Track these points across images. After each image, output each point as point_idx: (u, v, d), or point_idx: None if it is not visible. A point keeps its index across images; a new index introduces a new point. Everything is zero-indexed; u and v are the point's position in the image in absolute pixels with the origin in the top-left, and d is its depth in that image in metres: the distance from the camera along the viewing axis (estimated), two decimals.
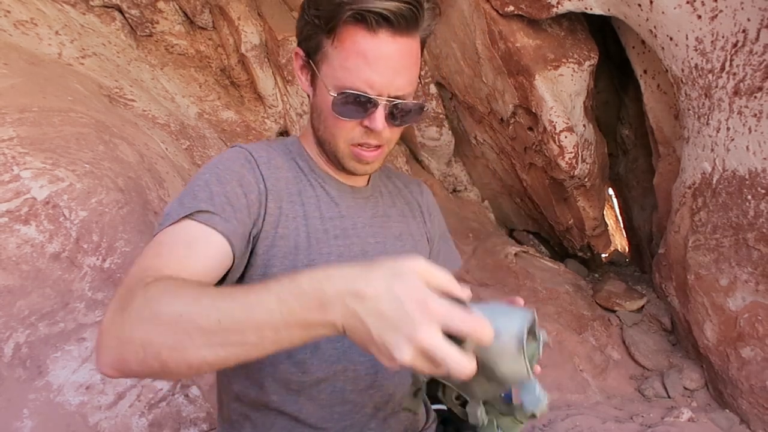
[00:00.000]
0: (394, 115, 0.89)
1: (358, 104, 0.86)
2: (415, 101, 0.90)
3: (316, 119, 0.95)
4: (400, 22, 0.82)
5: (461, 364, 0.53)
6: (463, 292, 0.58)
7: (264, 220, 0.89)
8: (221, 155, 0.93)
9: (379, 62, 0.84)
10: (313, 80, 0.93)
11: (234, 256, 0.82)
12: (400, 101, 0.88)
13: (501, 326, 0.57)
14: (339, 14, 0.82)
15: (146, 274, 0.71)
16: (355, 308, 0.56)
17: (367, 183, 1.06)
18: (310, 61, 0.91)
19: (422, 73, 2.70)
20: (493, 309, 0.61)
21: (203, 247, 0.78)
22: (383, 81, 0.85)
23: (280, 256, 0.90)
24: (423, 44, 0.93)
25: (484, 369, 0.59)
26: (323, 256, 0.94)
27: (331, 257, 0.94)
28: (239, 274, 0.88)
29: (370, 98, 0.86)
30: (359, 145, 0.92)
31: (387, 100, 0.87)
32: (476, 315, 0.55)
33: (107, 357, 0.67)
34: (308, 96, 0.97)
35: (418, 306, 0.53)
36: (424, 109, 0.94)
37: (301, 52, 0.93)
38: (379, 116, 0.87)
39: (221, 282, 0.85)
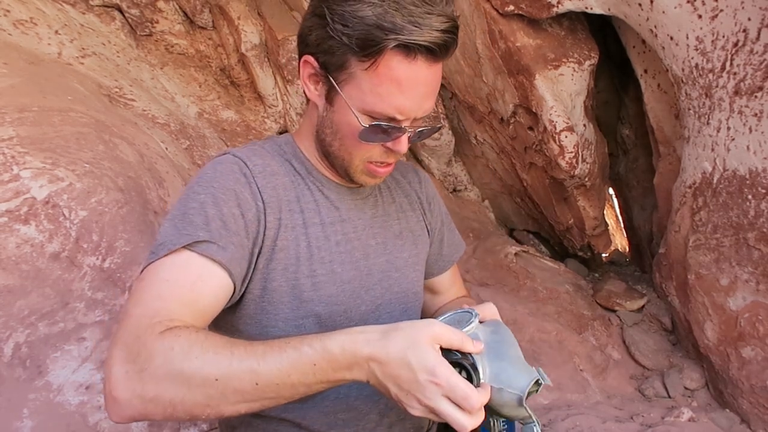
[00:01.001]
0: (416, 139, 0.91)
1: (385, 132, 0.85)
2: (435, 126, 0.93)
3: (330, 135, 0.91)
4: (441, 52, 0.82)
5: (461, 424, 0.63)
6: (476, 347, 0.70)
7: (264, 235, 0.87)
8: (215, 167, 0.88)
9: (413, 90, 0.82)
10: (330, 94, 0.88)
11: (234, 286, 0.82)
12: (425, 128, 0.89)
13: (506, 381, 0.69)
14: (381, 42, 0.78)
15: (155, 321, 0.70)
16: (376, 371, 0.66)
17: None
18: (329, 77, 0.86)
19: None
20: (502, 357, 0.72)
21: (206, 285, 0.77)
22: (413, 106, 0.84)
23: (281, 269, 0.88)
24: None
25: (491, 406, 0.70)
26: (326, 264, 0.92)
27: (333, 265, 0.93)
28: (241, 293, 0.87)
29: (398, 126, 0.85)
30: (376, 161, 0.91)
31: (413, 127, 0.87)
32: (481, 384, 0.68)
33: (126, 411, 0.67)
34: (310, 101, 0.94)
35: (428, 375, 0.64)
36: (441, 127, 0.96)
37: (315, 63, 0.87)
38: (404, 142, 0.87)
39: (239, 303, 0.89)
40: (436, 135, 2.87)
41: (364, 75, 0.82)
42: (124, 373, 0.67)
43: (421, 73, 0.82)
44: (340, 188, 1.00)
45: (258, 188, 0.88)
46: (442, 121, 2.81)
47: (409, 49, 0.79)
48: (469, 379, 0.67)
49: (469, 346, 0.69)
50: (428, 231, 1.14)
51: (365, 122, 0.84)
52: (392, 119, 0.84)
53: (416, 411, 0.66)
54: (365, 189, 1.04)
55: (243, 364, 0.66)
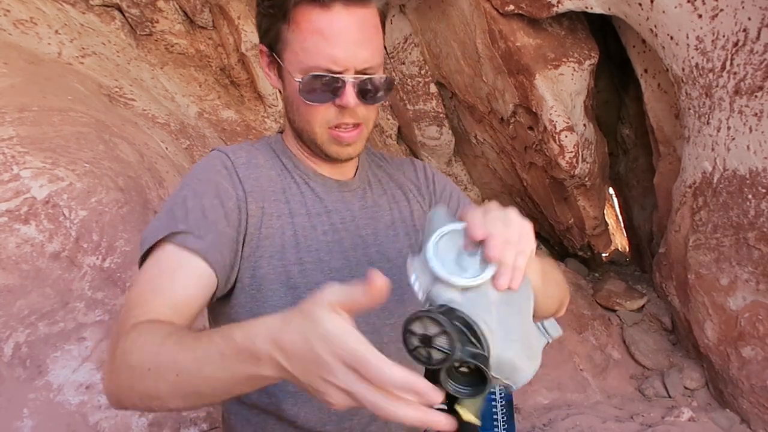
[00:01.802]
0: (365, 91, 0.88)
1: (326, 85, 0.85)
2: (383, 75, 0.89)
3: (290, 111, 0.94)
4: None
5: (389, 413, 0.50)
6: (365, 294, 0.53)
7: (247, 223, 0.88)
8: (200, 162, 0.92)
9: (338, 36, 0.83)
10: (280, 73, 0.91)
11: (216, 273, 0.82)
12: (370, 77, 0.87)
13: (503, 371, 0.54)
14: None
15: (130, 320, 0.74)
16: (280, 360, 0.55)
17: (354, 175, 1.04)
18: (274, 54, 0.90)
19: (422, 72, 2.70)
20: (508, 334, 0.55)
21: (184, 275, 0.79)
22: (346, 55, 0.84)
23: (267, 256, 0.89)
24: (383, 16, 0.92)
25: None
26: (312, 252, 0.92)
27: (320, 253, 0.93)
28: (232, 283, 0.88)
29: (337, 77, 0.85)
30: (336, 127, 0.90)
31: (355, 77, 0.85)
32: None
33: (112, 402, 0.73)
34: (279, 92, 0.96)
35: (328, 347, 0.51)
36: (394, 84, 0.94)
37: (265, 49, 0.92)
38: (350, 93, 0.85)
39: (231, 292, 0.88)
40: (436, 134, 2.88)
41: (291, 37, 0.86)
42: (106, 369, 0.73)
43: (342, 20, 0.83)
44: (327, 181, 1.00)
45: (239, 178, 0.90)
46: (442, 120, 2.81)
47: None
48: (451, 348, 0.50)
49: (359, 298, 0.52)
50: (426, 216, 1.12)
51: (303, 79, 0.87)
52: (329, 71, 0.85)
53: (337, 399, 0.52)
54: (354, 182, 1.03)
55: (168, 355, 0.65)
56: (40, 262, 1.48)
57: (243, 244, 0.88)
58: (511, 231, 0.62)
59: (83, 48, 2.13)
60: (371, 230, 1.01)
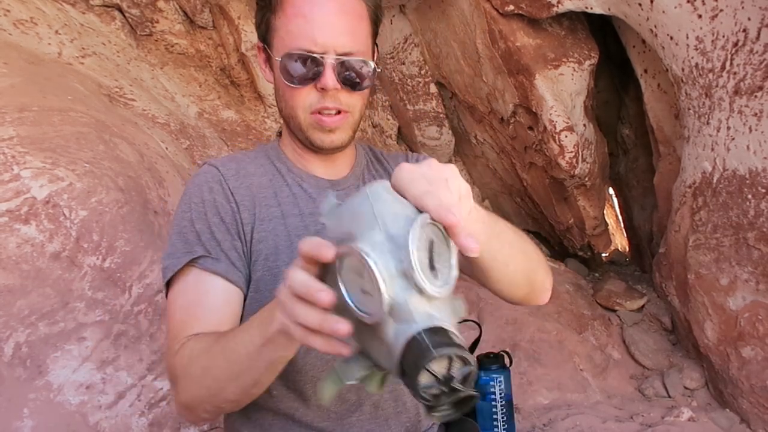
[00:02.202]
0: (347, 77, 0.89)
1: (306, 67, 0.87)
2: (362, 58, 0.90)
3: (279, 100, 0.97)
4: None
5: (307, 334, 0.54)
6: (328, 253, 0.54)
7: (243, 231, 0.93)
8: (194, 180, 0.97)
9: (319, 19, 0.86)
10: (271, 63, 0.94)
11: (239, 287, 0.89)
12: (349, 58, 0.88)
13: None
14: None
15: (175, 342, 0.84)
16: (280, 317, 0.60)
17: (350, 171, 1.05)
18: (266, 47, 0.94)
19: (422, 72, 2.70)
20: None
21: (212, 298, 0.87)
22: (326, 37, 0.86)
23: (262, 259, 0.92)
24: (374, 11, 0.94)
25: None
26: None
27: None
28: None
29: (315, 57, 0.86)
30: (319, 112, 0.91)
31: (335, 58, 0.87)
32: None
33: (187, 418, 0.91)
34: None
35: (282, 288, 0.58)
36: (377, 70, 0.94)
37: (260, 44, 0.96)
38: (329, 74, 0.87)
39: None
40: (436, 134, 2.88)
41: (278, 23, 0.89)
42: (175, 393, 0.83)
43: (325, 4, 0.86)
44: (320, 181, 1.01)
45: (230, 190, 0.94)
46: (442, 120, 2.82)
47: None
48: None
49: (325, 253, 0.53)
50: None
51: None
52: (309, 51, 0.87)
53: (296, 332, 0.56)
54: (347, 180, 1.04)
55: (217, 347, 0.75)
56: (40, 262, 1.48)
57: (245, 252, 0.93)
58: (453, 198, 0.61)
59: (83, 48, 2.13)
60: None
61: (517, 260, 0.84)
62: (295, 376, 0.91)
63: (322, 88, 0.88)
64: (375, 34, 0.96)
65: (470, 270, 0.83)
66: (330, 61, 0.87)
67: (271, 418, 0.93)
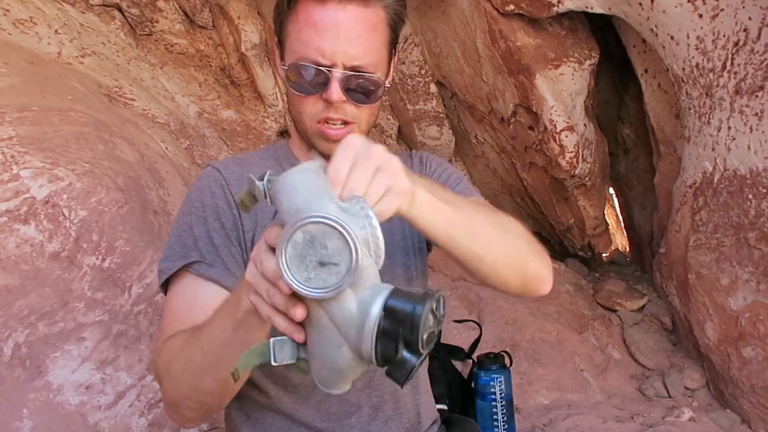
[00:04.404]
0: (353, 89, 0.88)
1: (312, 77, 0.87)
2: (370, 72, 0.88)
3: (288, 103, 0.97)
4: None
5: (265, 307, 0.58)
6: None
7: (244, 237, 0.93)
8: (197, 183, 0.97)
9: (329, 30, 0.84)
10: (283, 64, 0.95)
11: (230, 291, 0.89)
12: (356, 73, 0.87)
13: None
14: None
15: (160, 345, 0.85)
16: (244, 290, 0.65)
17: None
18: (280, 46, 0.94)
19: (422, 72, 2.70)
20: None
21: (202, 302, 0.86)
22: (334, 48, 0.84)
23: None
24: (393, 22, 0.91)
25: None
26: None
27: None
28: None
29: (322, 69, 0.85)
30: (325, 121, 0.91)
31: (342, 72, 0.86)
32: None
33: (172, 414, 0.85)
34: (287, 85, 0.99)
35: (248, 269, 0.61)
36: (385, 85, 0.92)
37: (276, 39, 0.96)
38: (334, 87, 0.86)
39: None
40: (436, 134, 2.87)
41: (291, 28, 0.89)
42: (162, 392, 0.84)
43: (336, 15, 0.84)
44: None
45: (233, 195, 0.93)
46: (442, 120, 2.81)
47: None
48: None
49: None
50: None
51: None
52: (316, 63, 0.86)
53: (264, 309, 0.59)
54: None
55: (192, 339, 0.76)
56: (39, 262, 1.48)
57: (244, 256, 0.93)
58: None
59: (83, 48, 2.13)
60: None
61: (497, 250, 0.83)
62: (295, 377, 0.91)
63: (327, 100, 0.88)
64: (394, 40, 0.94)
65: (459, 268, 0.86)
66: (337, 74, 0.86)
67: (271, 418, 0.93)
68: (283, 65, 0.89)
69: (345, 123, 0.91)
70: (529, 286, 0.90)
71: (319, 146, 0.95)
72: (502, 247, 0.84)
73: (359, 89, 0.89)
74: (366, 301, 0.50)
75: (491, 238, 0.82)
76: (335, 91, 0.86)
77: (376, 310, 0.49)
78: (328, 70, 0.85)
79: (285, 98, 2.62)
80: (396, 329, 0.48)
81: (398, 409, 0.98)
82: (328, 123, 0.91)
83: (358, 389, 0.94)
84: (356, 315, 0.50)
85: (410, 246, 1.05)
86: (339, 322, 0.51)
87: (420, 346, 0.48)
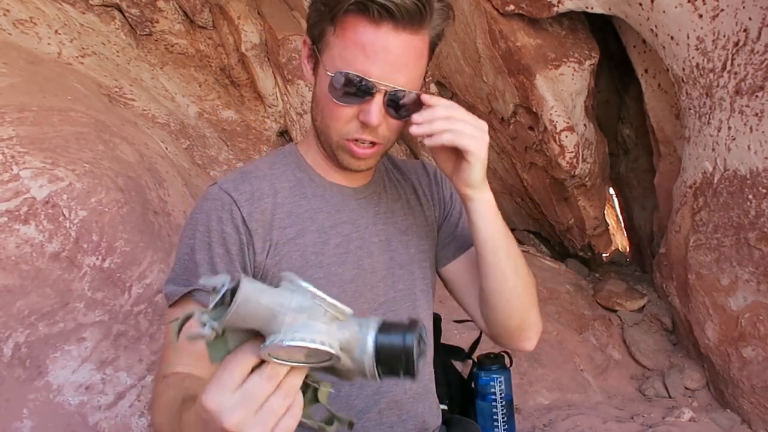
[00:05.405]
0: (392, 107, 0.86)
1: (356, 89, 0.84)
2: (414, 91, 0.87)
3: (315, 109, 0.94)
4: (404, 16, 0.80)
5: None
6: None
7: (254, 261, 0.91)
8: (203, 204, 0.93)
9: (378, 55, 0.82)
10: (316, 68, 0.92)
11: None
12: (400, 91, 0.85)
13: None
14: (342, 3, 0.81)
15: (160, 373, 0.86)
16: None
17: (371, 179, 1.04)
18: (315, 49, 0.90)
19: None
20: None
21: None
22: (381, 74, 0.83)
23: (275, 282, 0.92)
24: (433, 46, 0.90)
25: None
26: (323, 268, 0.93)
27: (332, 267, 0.94)
28: None
29: (369, 84, 0.83)
30: (354, 140, 0.90)
31: (386, 90, 0.84)
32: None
33: None
34: (310, 88, 0.98)
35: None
36: (421, 106, 0.89)
37: (308, 40, 0.92)
38: (375, 108, 0.84)
39: None
40: None
41: (335, 41, 0.85)
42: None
43: (387, 41, 0.81)
44: (343, 189, 0.99)
45: (243, 219, 0.90)
46: None
47: (370, 12, 0.80)
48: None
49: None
50: (435, 219, 1.11)
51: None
52: (363, 75, 0.83)
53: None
54: (368, 187, 1.03)
55: (175, 413, 0.70)
56: (39, 263, 1.48)
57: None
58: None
59: (83, 48, 2.13)
60: (384, 237, 1.02)
61: (518, 280, 0.93)
62: None
63: (365, 122, 0.86)
64: (430, 59, 0.93)
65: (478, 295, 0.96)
66: (381, 91, 0.84)
67: None
68: (330, 73, 0.85)
69: (373, 143, 0.91)
70: (523, 332, 0.99)
71: (342, 159, 0.93)
72: (522, 280, 0.94)
73: (396, 106, 0.87)
74: (357, 359, 0.57)
75: (519, 267, 0.93)
76: (375, 115, 0.84)
77: (368, 355, 0.57)
78: (373, 89, 0.83)
79: (285, 98, 2.62)
80: (395, 355, 0.56)
81: (402, 415, 0.98)
82: (357, 141, 0.90)
83: (367, 395, 0.94)
84: (353, 365, 0.58)
85: (427, 259, 1.09)
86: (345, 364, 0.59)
87: (413, 364, 0.56)
